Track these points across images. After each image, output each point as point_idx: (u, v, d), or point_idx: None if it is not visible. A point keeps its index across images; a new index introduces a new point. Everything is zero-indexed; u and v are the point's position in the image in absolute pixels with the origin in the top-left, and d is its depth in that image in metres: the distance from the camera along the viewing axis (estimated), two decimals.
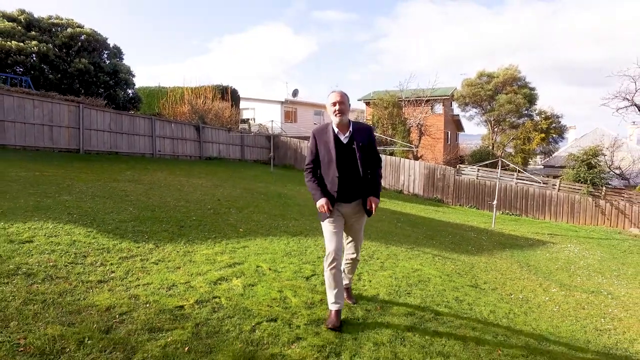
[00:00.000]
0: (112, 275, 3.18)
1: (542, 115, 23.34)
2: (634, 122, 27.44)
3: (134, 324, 2.43)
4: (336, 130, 2.97)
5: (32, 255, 3.30)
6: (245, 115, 27.36)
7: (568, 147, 27.78)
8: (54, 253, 3.43)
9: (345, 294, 3.29)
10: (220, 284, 3.30)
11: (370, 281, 4.06)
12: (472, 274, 5.77)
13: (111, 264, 3.42)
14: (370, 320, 3.05)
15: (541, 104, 25.19)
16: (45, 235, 3.84)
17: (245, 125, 23.88)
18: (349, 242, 3.24)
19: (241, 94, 24.90)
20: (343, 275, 3.29)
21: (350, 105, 3.06)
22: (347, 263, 3.31)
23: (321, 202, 2.92)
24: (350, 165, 2.95)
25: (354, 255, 3.27)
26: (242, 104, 26.00)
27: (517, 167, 16.36)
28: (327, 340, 2.62)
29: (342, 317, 2.99)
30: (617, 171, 23.84)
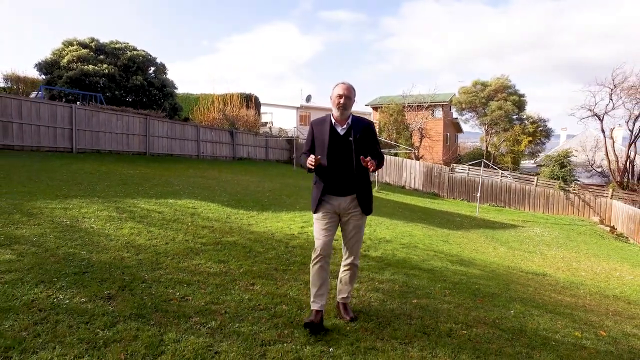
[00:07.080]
0: (251, 222, 6.25)
1: (529, 120, 26.31)
2: (619, 125, 30.19)
3: (278, 236, 5.50)
4: (334, 121, 2.96)
5: (208, 214, 6.37)
6: (263, 119, 30.43)
7: (560, 147, 30.70)
8: (214, 214, 6.49)
9: (341, 309, 3.09)
10: (303, 228, 6.35)
11: (380, 232, 7.11)
12: (446, 237, 8.77)
13: (244, 218, 6.48)
14: (381, 244, 6.10)
15: (530, 109, 28.21)
16: (200, 207, 6.91)
17: (266, 129, 26.96)
18: (346, 243, 3.05)
19: (260, 99, 28.02)
20: (339, 285, 3.15)
21: (355, 101, 3.02)
22: (345, 269, 3.09)
23: (310, 159, 2.78)
24: (343, 157, 2.90)
25: (352, 259, 3.06)
26: (262, 109, 29.10)
27: (492, 166, 19.39)
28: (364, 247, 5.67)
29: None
30: (599, 169, 26.68)
